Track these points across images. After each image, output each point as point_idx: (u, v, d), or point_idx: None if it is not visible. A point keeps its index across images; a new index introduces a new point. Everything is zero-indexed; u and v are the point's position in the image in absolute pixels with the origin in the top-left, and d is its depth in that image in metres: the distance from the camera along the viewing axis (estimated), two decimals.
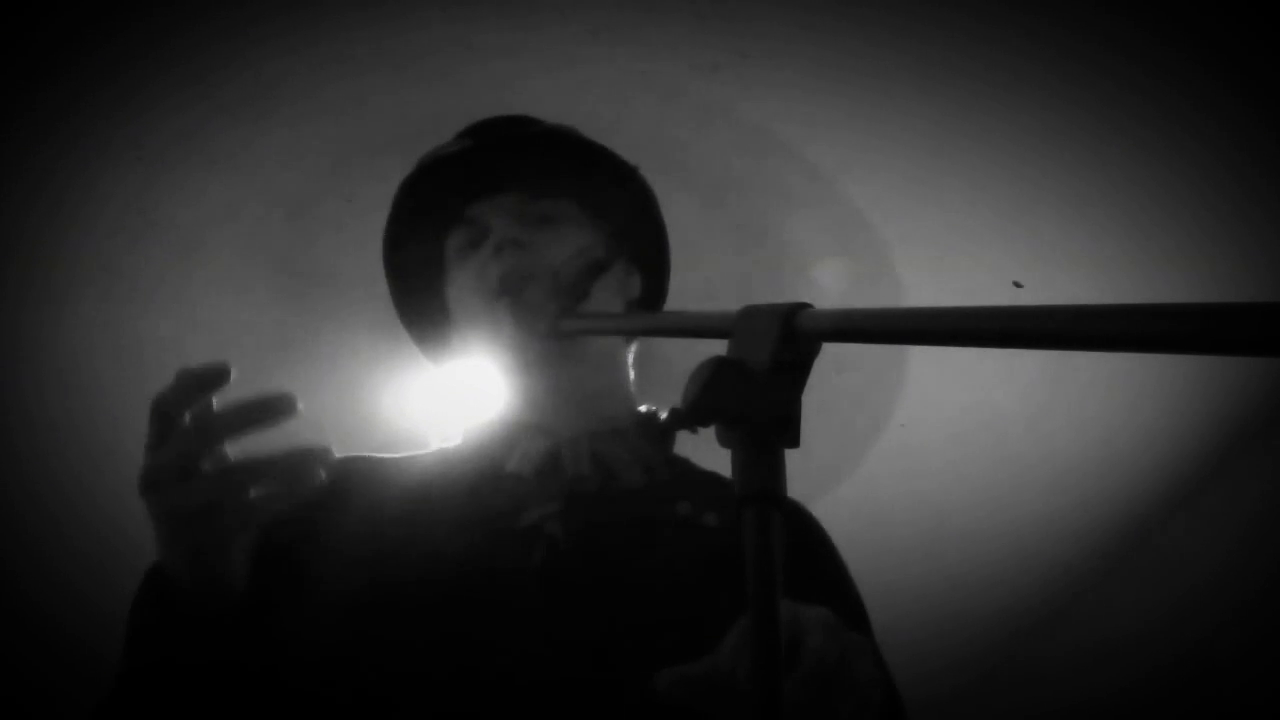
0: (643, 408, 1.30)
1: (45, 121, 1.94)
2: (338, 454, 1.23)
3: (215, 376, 0.87)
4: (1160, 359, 2.22)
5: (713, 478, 1.26)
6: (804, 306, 0.72)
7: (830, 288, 2.27)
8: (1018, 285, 2.06)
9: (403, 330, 1.44)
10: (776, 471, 0.68)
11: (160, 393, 0.86)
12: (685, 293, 2.15)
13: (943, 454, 2.56)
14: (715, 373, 0.69)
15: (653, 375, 1.49)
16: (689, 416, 0.69)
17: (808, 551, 1.20)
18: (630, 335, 1.36)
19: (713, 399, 0.69)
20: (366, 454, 1.25)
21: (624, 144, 1.40)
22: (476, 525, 1.10)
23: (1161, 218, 2.13)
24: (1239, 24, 1.82)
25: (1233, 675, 2.40)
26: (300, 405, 0.88)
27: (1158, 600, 2.65)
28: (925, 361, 2.40)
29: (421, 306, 1.38)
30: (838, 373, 2.39)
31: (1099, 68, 1.90)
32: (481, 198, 1.30)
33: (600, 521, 1.11)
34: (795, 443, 0.70)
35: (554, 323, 1.17)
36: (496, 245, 1.24)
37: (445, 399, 2.19)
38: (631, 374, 1.35)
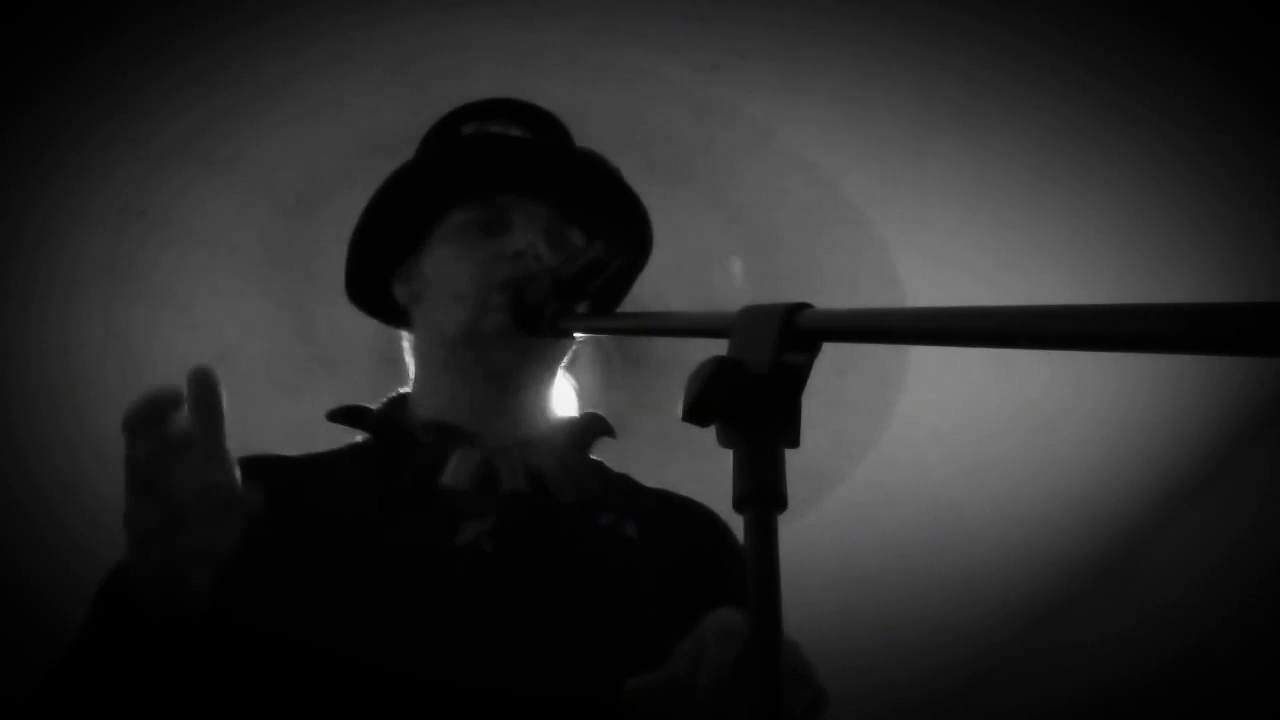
0: (561, 414, 1.29)
1: (47, 123, 1.94)
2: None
3: (168, 403, 0.85)
4: (1160, 359, 2.22)
5: (628, 483, 1.26)
6: (804, 306, 0.72)
7: (828, 287, 2.27)
8: None
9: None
10: (776, 471, 0.68)
11: (125, 414, 0.85)
12: (684, 292, 2.16)
13: (942, 454, 2.56)
14: (715, 372, 0.69)
15: (652, 375, 1.50)
16: (689, 416, 0.69)
17: (722, 557, 1.20)
18: (630, 335, 1.35)
19: (713, 399, 0.69)
20: (278, 454, 1.20)
21: (623, 144, 1.40)
22: (409, 541, 1.09)
23: (1162, 217, 2.13)
24: (1238, 24, 1.82)
25: (1233, 675, 2.40)
26: (211, 377, 0.88)
27: (1158, 600, 2.65)
28: (925, 361, 2.40)
29: (383, 244, 1.34)
30: (838, 373, 2.39)
31: (1099, 68, 1.90)
32: (516, 192, 1.29)
33: (531, 537, 1.11)
34: (795, 442, 0.70)
35: (553, 321, 1.17)
36: (519, 250, 1.23)
37: None
38: (558, 381, 1.34)
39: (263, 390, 2.42)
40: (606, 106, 1.98)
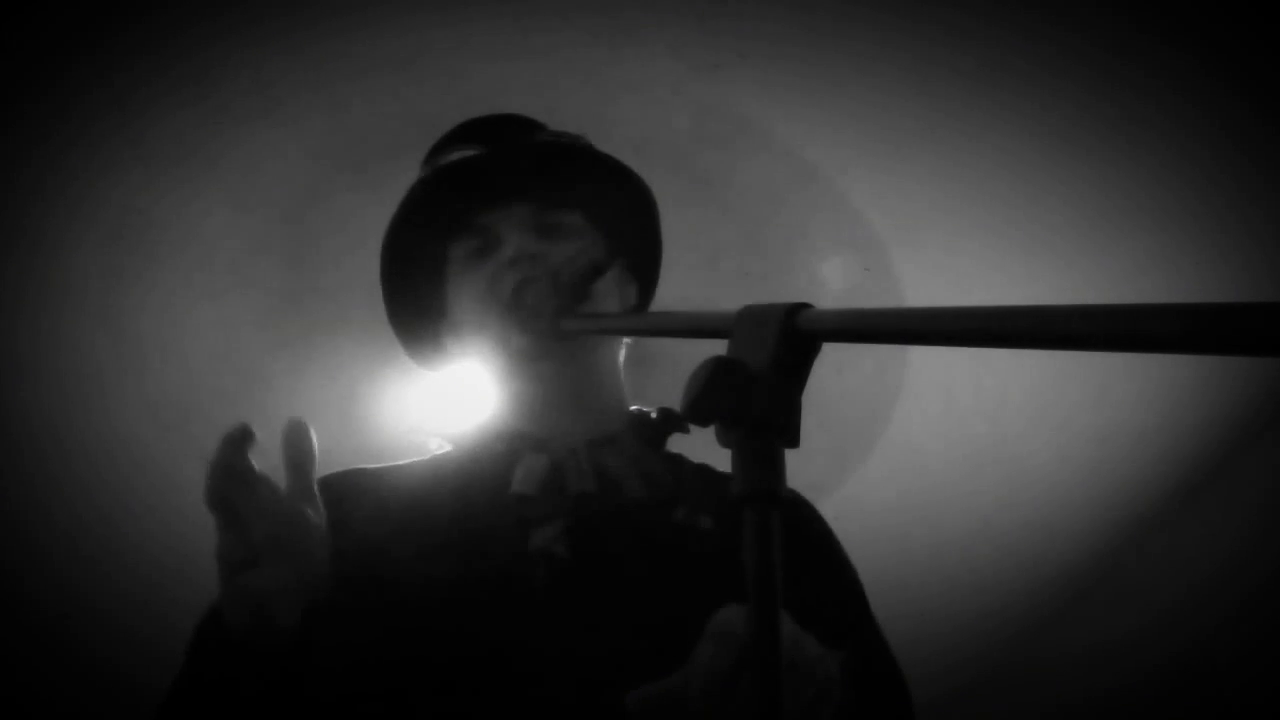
0: (633, 408, 1.30)
1: (44, 122, 1.94)
2: (333, 463, 1.23)
3: (239, 446, 0.94)
4: (1160, 358, 2.22)
5: (705, 474, 1.26)
6: (804, 306, 0.72)
7: (830, 287, 2.27)
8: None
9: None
10: (776, 471, 0.68)
11: (207, 488, 0.93)
12: (685, 292, 2.15)
13: (942, 454, 2.56)
14: (715, 373, 0.69)
15: (653, 375, 1.49)
16: (689, 416, 0.69)
17: (803, 540, 1.20)
18: (630, 335, 1.35)
19: (713, 399, 0.69)
20: (359, 467, 1.24)
21: (624, 144, 1.40)
22: (484, 549, 1.11)
23: (1162, 216, 2.13)
24: (1238, 24, 1.82)
25: (1233, 675, 2.40)
26: (254, 433, 0.95)
27: (1158, 600, 2.65)
28: (925, 362, 2.40)
29: (415, 309, 1.37)
30: (838, 373, 2.39)
31: (1098, 66, 1.90)
32: (493, 206, 1.29)
33: (603, 537, 1.12)
34: (795, 443, 0.70)
35: (554, 322, 1.17)
36: (512, 258, 1.23)
37: (442, 401, 2.19)
38: (622, 375, 1.34)
39: (262, 391, 2.42)
40: (606, 107, 1.98)
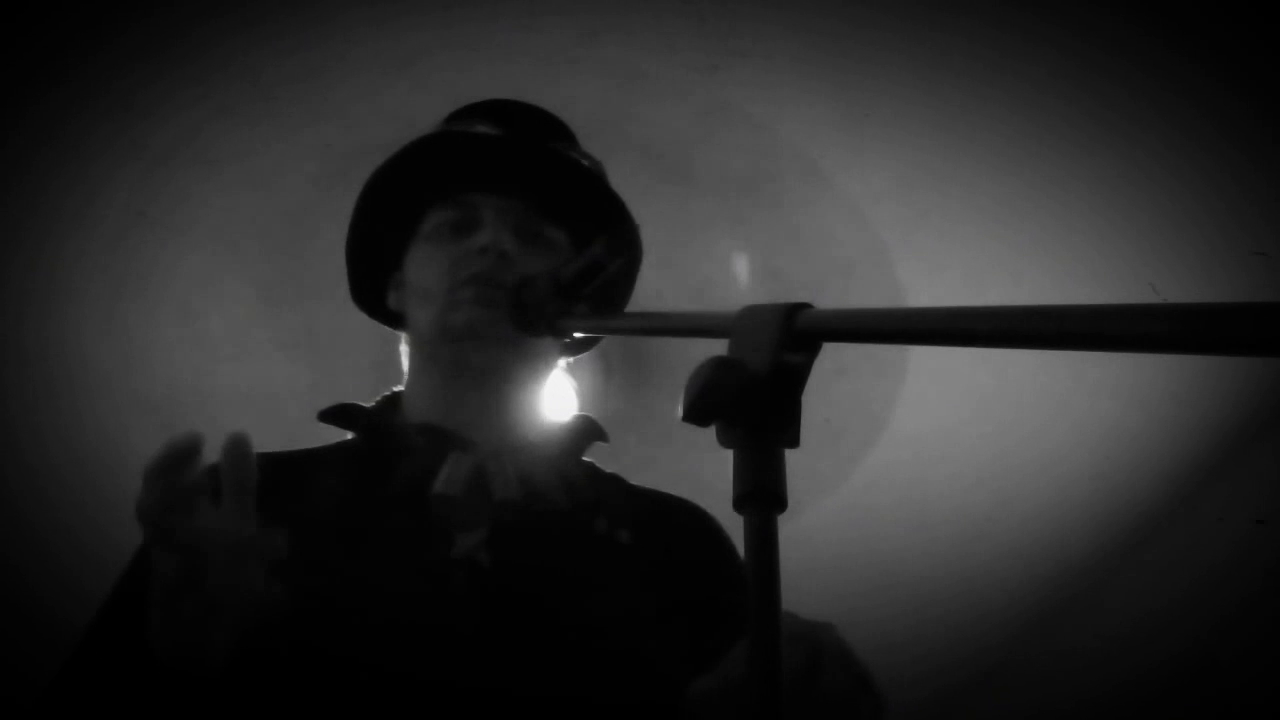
0: (550, 415, 1.28)
1: (47, 124, 1.94)
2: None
3: (185, 458, 0.83)
4: (1160, 359, 2.22)
5: (619, 486, 1.25)
6: (804, 306, 0.72)
7: (828, 287, 2.27)
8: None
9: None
10: (776, 471, 0.68)
11: (139, 503, 0.84)
12: (684, 292, 2.16)
13: (942, 453, 2.56)
14: (715, 372, 0.69)
15: (653, 375, 1.50)
16: (689, 416, 0.69)
17: (715, 558, 1.20)
18: (630, 335, 1.35)
19: (712, 399, 0.69)
20: (262, 451, 1.19)
21: (624, 144, 1.40)
22: (403, 550, 1.08)
23: (1164, 219, 2.13)
24: (1238, 24, 1.82)
25: (1233, 675, 2.40)
26: (203, 443, 0.84)
27: (1157, 600, 2.65)
28: (925, 362, 2.40)
29: (374, 252, 1.34)
30: (837, 372, 2.39)
31: (1098, 67, 1.91)
32: (486, 189, 1.28)
33: (525, 546, 1.11)
34: (795, 443, 0.70)
35: (553, 322, 1.16)
36: (484, 246, 1.22)
37: None
38: (545, 383, 1.32)
39: (262, 391, 2.42)
40: (606, 107, 1.98)
